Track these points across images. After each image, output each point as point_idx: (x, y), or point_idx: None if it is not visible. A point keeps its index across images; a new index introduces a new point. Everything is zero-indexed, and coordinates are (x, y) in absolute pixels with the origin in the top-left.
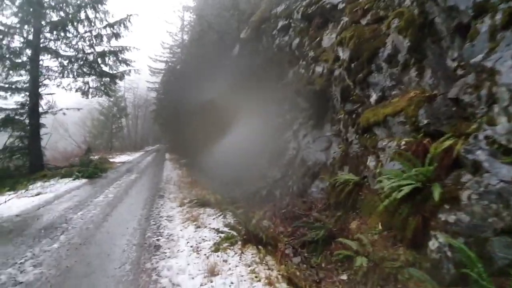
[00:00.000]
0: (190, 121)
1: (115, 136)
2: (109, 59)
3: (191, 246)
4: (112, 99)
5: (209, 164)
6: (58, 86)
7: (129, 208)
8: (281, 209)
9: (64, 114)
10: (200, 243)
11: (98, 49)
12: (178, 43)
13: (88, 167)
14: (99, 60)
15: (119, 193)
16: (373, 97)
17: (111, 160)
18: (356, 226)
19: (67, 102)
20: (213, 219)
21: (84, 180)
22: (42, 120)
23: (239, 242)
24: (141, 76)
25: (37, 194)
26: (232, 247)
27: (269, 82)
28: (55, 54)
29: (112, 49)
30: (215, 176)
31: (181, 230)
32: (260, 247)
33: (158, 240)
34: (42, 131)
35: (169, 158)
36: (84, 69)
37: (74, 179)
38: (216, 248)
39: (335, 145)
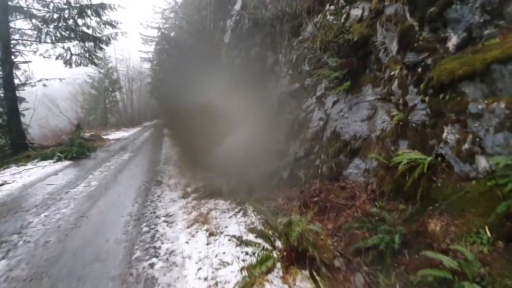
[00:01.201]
0: (188, 99)
1: (110, 111)
2: (90, 18)
3: (205, 278)
4: (102, 71)
5: (214, 142)
6: (34, 53)
7: (114, 204)
8: (311, 196)
9: (44, 85)
10: (218, 269)
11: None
12: (171, 7)
13: (72, 146)
14: (79, 21)
15: (106, 180)
16: (453, 40)
17: (104, 137)
18: (440, 228)
19: (53, 75)
20: (230, 217)
21: (67, 162)
22: (24, 94)
23: (279, 265)
24: (132, 45)
25: (1, 184)
26: (270, 276)
27: (280, 40)
28: (27, 14)
29: (91, 3)
30: (222, 155)
31: (187, 242)
32: (313, 272)
33: (151, 266)
34: (25, 106)
35: (167, 134)
36: (63, 33)
37: (55, 161)
38: (247, 282)
39: (382, 113)
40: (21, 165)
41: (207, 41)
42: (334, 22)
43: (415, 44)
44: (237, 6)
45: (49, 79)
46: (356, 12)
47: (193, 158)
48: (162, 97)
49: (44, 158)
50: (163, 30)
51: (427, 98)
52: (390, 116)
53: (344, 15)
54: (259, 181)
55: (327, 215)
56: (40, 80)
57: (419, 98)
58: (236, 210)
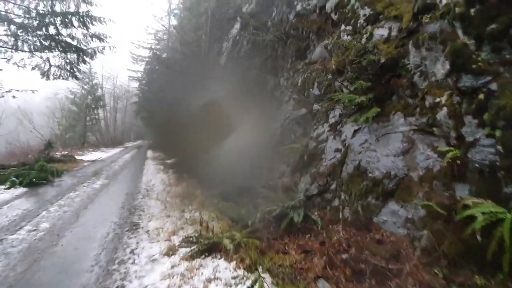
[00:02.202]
0: (180, 115)
1: (91, 130)
2: (75, 28)
3: None
4: (86, 87)
5: (205, 166)
6: (8, 61)
7: (62, 268)
8: (337, 252)
9: (13, 97)
10: None
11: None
12: (165, 29)
13: (32, 169)
14: (64, 31)
15: (62, 220)
16: None
17: (78, 157)
18: None
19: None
20: None
21: (20, 190)
22: None
23: None
24: (121, 63)
25: None
26: None
27: (282, 63)
28: (4, 18)
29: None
30: (214, 182)
31: None
32: None
33: None
34: None
35: (151, 157)
36: (44, 42)
37: (7, 188)
38: None
39: (423, 147)
40: None
41: (202, 63)
42: (354, 43)
43: (473, 66)
44: (235, 29)
45: (20, 90)
46: (381, 31)
47: (181, 188)
48: (149, 117)
49: None
50: (155, 51)
51: (497, 132)
52: (437, 152)
53: (366, 35)
54: (264, 224)
55: (367, 284)
56: (9, 91)
57: (482, 132)
58: (244, 278)
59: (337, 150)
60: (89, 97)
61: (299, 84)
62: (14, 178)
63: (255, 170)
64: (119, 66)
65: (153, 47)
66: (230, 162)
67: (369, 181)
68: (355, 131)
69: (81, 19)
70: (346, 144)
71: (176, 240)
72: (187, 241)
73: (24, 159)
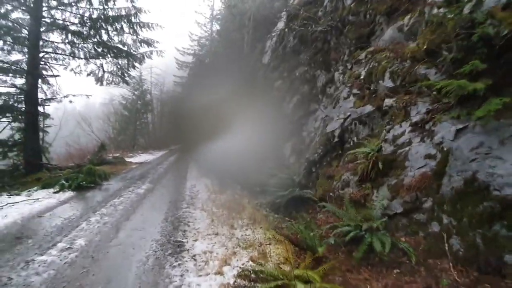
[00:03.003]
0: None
1: (140, 133)
2: (121, 30)
3: None
4: (136, 92)
5: (252, 173)
6: (65, 68)
7: None
8: None
9: (70, 102)
10: None
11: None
12: (207, 35)
13: (80, 172)
14: (115, 38)
15: (100, 235)
16: None
17: (128, 159)
18: None
19: (94, 99)
20: None
21: (68, 194)
22: (50, 110)
23: None
24: (168, 70)
25: None
26: None
27: (336, 56)
28: (61, 26)
29: (125, 13)
30: (261, 190)
31: None
32: None
33: None
34: (49, 122)
35: (194, 159)
36: (98, 49)
37: (56, 191)
38: None
39: None
40: (14, 194)
41: (244, 64)
42: (451, 16)
43: None
44: (280, 25)
45: (76, 95)
46: None
47: (227, 197)
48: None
49: (46, 185)
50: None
51: None
52: None
53: (471, 3)
54: (330, 247)
55: None
56: (66, 96)
57: None
58: None
59: (429, 156)
60: (138, 102)
61: (362, 77)
62: (64, 182)
63: (309, 178)
64: (166, 71)
65: (196, 53)
66: (280, 167)
67: (495, 201)
68: (459, 131)
69: (131, 25)
70: (445, 149)
71: (229, 273)
72: (244, 277)
73: (81, 161)
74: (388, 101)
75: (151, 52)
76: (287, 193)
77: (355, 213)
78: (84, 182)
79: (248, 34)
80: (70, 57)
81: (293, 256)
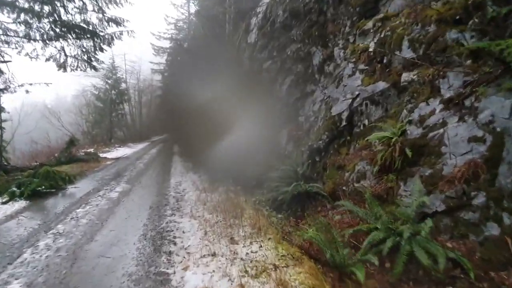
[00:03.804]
0: (203, 105)
1: (118, 125)
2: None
3: None
4: (109, 81)
5: (241, 164)
6: (19, 52)
7: None
8: None
9: (27, 91)
10: None
11: None
12: (184, 17)
13: (34, 176)
14: (77, 16)
15: (46, 274)
16: None
17: (102, 155)
18: None
19: (65, 91)
20: None
21: (19, 205)
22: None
23: None
24: (144, 56)
25: None
26: None
27: (335, 29)
28: (9, 3)
29: None
30: (256, 184)
31: None
32: None
33: None
34: (5, 117)
35: (178, 152)
36: (57, 29)
37: (5, 202)
38: None
39: None
40: None
41: (226, 45)
42: None
43: None
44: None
45: (33, 84)
46: None
47: (219, 195)
48: (172, 109)
49: None
50: (176, 41)
51: None
52: None
53: None
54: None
55: None
56: (21, 85)
57: None
58: None
59: (475, 139)
60: (113, 91)
61: (370, 50)
62: (15, 188)
63: (314, 169)
64: (141, 59)
65: (173, 37)
66: (274, 157)
67: None
68: None
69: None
70: (497, 129)
71: None
72: None
73: (47, 159)
74: (406, 76)
75: (121, 33)
76: (291, 188)
77: (381, 212)
78: (42, 188)
79: (229, 10)
80: (24, 40)
81: (320, 283)
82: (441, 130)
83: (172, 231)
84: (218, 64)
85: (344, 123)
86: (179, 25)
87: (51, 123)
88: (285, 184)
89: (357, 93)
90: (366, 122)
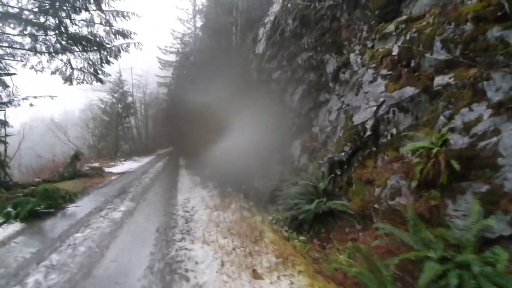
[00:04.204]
0: (211, 118)
1: (124, 138)
2: (91, 18)
3: None
4: (116, 95)
5: (255, 179)
6: (24, 65)
7: None
8: None
9: (31, 105)
10: None
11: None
12: (190, 32)
13: (32, 195)
14: (84, 29)
15: None
16: None
17: (107, 169)
18: None
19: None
20: None
21: (14, 228)
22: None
23: None
24: (150, 70)
25: None
26: None
27: (350, 34)
28: (16, 15)
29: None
30: (269, 199)
31: None
32: None
33: None
34: (9, 131)
35: (184, 165)
36: (63, 41)
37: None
38: None
39: None
40: None
41: (234, 57)
42: None
43: None
44: (275, 7)
45: (38, 97)
46: None
47: (232, 214)
48: (178, 122)
49: None
50: (181, 55)
51: None
52: None
53: None
54: None
55: None
56: (26, 99)
57: None
58: None
59: None
60: (119, 105)
61: (393, 54)
62: (11, 209)
63: (336, 184)
64: (148, 72)
65: (180, 51)
66: (287, 170)
67: None
68: None
69: (102, 12)
70: None
71: None
72: None
73: (51, 174)
74: (440, 79)
75: (128, 45)
76: (313, 206)
77: (431, 237)
78: (40, 207)
79: (237, 21)
80: (30, 53)
81: None
82: (494, 139)
83: (183, 261)
84: (224, 76)
85: (368, 132)
86: (185, 39)
87: (57, 137)
88: (305, 201)
89: (381, 100)
90: (394, 131)
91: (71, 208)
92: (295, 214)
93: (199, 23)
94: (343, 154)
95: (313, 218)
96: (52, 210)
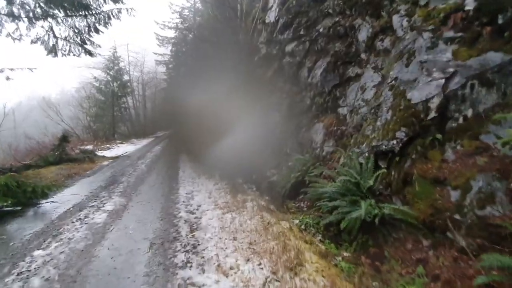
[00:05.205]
0: (215, 97)
1: (121, 120)
2: None
3: None
4: (111, 72)
5: (267, 169)
6: None
7: None
8: None
9: (7, 78)
10: None
11: None
12: (190, 5)
13: None
14: None
15: None
16: None
17: (100, 153)
18: None
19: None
20: None
21: None
22: None
23: None
24: (148, 47)
25: None
26: None
27: None
28: None
29: None
30: (274, 184)
31: None
32: None
33: None
34: None
35: (185, 150)
36: (42, 3)
37: None
38: None
39: None
40: None
41: (238, 29)
42: None
43: None
44: None
45: (14, 69)
46: None
47: (250, 217)
48: (178, 103)
49: None
50: (181, 30)
51: None
52: None
53: None
54: None
55: None
56: (1, 71)
57: None
58: None
59: None
60: (114, 83)
61: (467, 8)
62: None
63: (386, 181)
64: (146, 49)
65: (179, 26)
66: (306, 158)
67: None
68: None
69: None
70: None
71: None
72: None
73: (36, 158)
74: None
75: (119, 10)
76: (363, 211)
77: None
78: (5, 205)
79: None
80: (7, 18)
81: None
82: None
83: None
84: (228, 51)
85: (432, 114)
86: (184, 13)
87: (49, 116)
88: (346, 203)
89: (451, 70)
90: (469, 112)
91: (44, 205)
92: (333, 220)
93: None
94: (394, 142)
95: (360, 225)
96: (19, 208)
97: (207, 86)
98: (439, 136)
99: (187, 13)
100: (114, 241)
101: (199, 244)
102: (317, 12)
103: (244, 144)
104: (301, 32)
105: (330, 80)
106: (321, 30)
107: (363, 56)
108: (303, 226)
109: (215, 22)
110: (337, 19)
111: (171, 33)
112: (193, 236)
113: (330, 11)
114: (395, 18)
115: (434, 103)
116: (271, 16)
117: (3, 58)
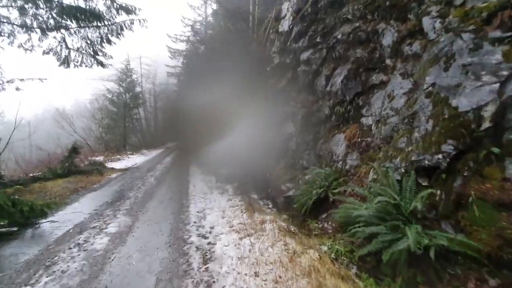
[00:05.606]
0: (224, 108)
1: (132, 131)
2: None
3: None
4: (124, 84)
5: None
6: (10, 43)
7: None
8: None
9: (17, 89)
10: None
11: None
12: (202, 19)
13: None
14: (81, 1)
15: None
16: None
17: (110, 165)
18: None
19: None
20: None
21: None
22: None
23: None
24: (159, 59)
25: None
26: None
27: None
28: None
29: None
30: (291, 200)
31: None
32: None
33: None
34: None
35: (195, 161)
36: (54, 14)
37: None
38: None
39: None
40: None
41: (250, 39)
42: None
43: None
44: None
45: (25, 80)
46: None
47: (272, 243)
48: (188, 114)
49: None
50: (192, 44)
51: None
52: None
53: None
54: None
55: None
56: (11, 81)
57: None
58: None
59: None
60: (126, 95)
61: None
62: None
63: (431, 203)
64: (157, 61)
65: (190, 39)
66: (326, 172)
67: None
68: None
69: None
70: None
71: None
72: None
73: (45, 169)
74: None
75: (132, 22)
76: (411, 240)
77: None
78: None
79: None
80: (19, 28)
81: None
82: None
83: None
84: (239, 62)
85: (487, 124)
86: (196, 27)
87: (62, 128)
88: (386, 229)
89: (504, 73)
90: None
91: (43, 225)
92: (372, 249)
93: (210, 10)
94: (440, 156)
95: (405, 257)
96: (15, 229)
97: (218, 97)
98: (496, 149)
99: (199, 26)
100: (114, 275)
101: (214, 282)
102: (334, 18)
103: (257, 157)
104: (317, 40)
105: (352, 88)
106: (339, 36)
107: (388, 62)
108: (333, 255)
109: (226, 33)
110: (357, 24)
111: (183, 46)
112: (206, 269)
113: (349, 16)
114: (426, 20)
115: (488, 111)
116: (284, 25)
117: (14, 69)
